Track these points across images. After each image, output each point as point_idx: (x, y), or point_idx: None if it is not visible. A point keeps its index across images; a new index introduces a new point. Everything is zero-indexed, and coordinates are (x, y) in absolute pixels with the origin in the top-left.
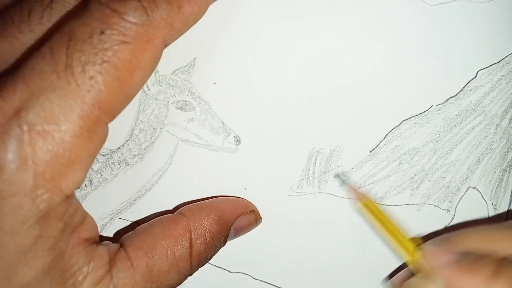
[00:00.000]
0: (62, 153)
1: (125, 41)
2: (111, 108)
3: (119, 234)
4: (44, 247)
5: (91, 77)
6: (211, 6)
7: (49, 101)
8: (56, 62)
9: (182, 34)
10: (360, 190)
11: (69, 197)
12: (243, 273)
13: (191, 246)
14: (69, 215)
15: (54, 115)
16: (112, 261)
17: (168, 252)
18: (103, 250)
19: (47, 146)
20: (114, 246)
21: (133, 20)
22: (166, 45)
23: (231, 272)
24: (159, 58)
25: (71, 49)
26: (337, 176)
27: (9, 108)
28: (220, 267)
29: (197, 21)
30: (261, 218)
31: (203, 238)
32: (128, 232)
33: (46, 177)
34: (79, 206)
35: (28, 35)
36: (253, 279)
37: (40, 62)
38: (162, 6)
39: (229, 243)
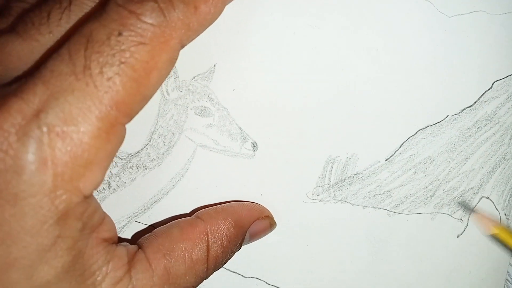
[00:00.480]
0: (80, 154)
1: (142, 42)
2: (128, 109)
3: (137, 237)
4: (64, 247)
5: (108, 79)
6: (233, 15)
7: (67, 102)
8: (74, 64)
9: (199, 35)
10: (490, 218)
11: (88, 198)
12: (257, 278)
13: (208, 250)
14: (87, 215)
15: (73, 116)
16: (131, 262)
17: (186, 255)
18: (122, 251)
19: (66, 147)
20: (133, 247)
21: (150, 21)
22: (182, 46)
23: (245, 277)
24: (176, 59)
25: (89, 51)
26: (462, 203)
27: (29, 109)
28: (234, 272)
29: (213, 22)
30: (275, 223)
31: (220, 242)
32: (145, 235)
33: (65, 178)
34: (97, 207)
35: (47, 37)
36: (266, 284)
37: (59, 64)
38: (178, 6)
39: (243, 248)
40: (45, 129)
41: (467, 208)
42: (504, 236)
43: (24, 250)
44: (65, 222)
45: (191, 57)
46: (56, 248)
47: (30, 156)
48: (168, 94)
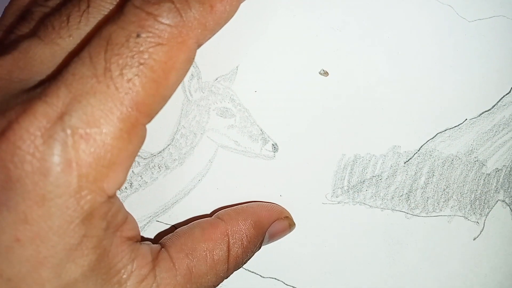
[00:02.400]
0: (103, 155)
1: (160, 43)
2: (148, 110)
3: (158, 237)
4: (89, 246)
5: (128, 80)
6: (255, 17)
7: (90, 105)
8: (95, 67)
9: (215, 34)
10: None
11: (111, 197)
12: (275, 279)
13: (228, 250)
14: (111, 215)
15: (95, 118)
16: (155, 261)
17: (208, 255)
18: (146, 249)
19: (89, 149)
20: (156, 246)
21: (167, 22)
22: (199, 45)
23: (263, 277)
24: (193, 59)
25: (109, 53)
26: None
27: (53, 112)
28: (253, 272)
29: (229, 20)
30: (294, 224)
31: (240, 242)
32: (167, 235)
33: (89, 178)
34: (121, 206)
35: (67, 40)
36: (284, 284)
37: (80, 67)
38: (194, 6)
39: (262, 248)
40: (69, 131)
41: (484, 211)
42: None
43: (52, 249)
44: (90, 221)
45: (214, 59)
46: (82, 247)
47: (56, 158)
48: (191, 95)
